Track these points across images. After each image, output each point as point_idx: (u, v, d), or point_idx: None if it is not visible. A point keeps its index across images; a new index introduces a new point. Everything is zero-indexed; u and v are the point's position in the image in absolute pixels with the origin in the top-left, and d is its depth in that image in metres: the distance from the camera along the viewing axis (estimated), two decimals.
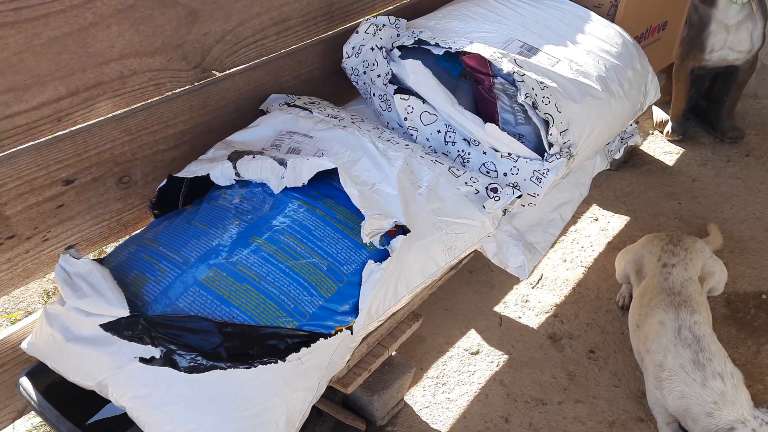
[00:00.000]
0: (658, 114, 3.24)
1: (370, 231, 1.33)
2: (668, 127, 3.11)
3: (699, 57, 2.86)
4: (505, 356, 1.97)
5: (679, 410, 1.60)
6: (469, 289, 2.24)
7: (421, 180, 1.53)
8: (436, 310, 2.15)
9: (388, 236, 1.39)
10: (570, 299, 2.18)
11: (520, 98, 1.60)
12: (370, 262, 1.33)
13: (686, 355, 1.63)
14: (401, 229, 1.40)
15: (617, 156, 2.14)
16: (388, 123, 1.82)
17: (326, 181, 1.48)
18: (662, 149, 3.06)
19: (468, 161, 1.68)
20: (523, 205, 1.67)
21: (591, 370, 1.91)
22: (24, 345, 1.34)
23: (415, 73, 1.68)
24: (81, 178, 1.46)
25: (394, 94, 1.71)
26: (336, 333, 1.27)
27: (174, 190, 1.57)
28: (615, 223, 2.55)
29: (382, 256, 1.37)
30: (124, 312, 1.16)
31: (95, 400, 1.32)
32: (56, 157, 1.39)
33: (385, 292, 1.35)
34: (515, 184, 1.63)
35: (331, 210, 1.42)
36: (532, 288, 2.24)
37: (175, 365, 1.11)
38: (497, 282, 2.27)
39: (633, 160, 2.96)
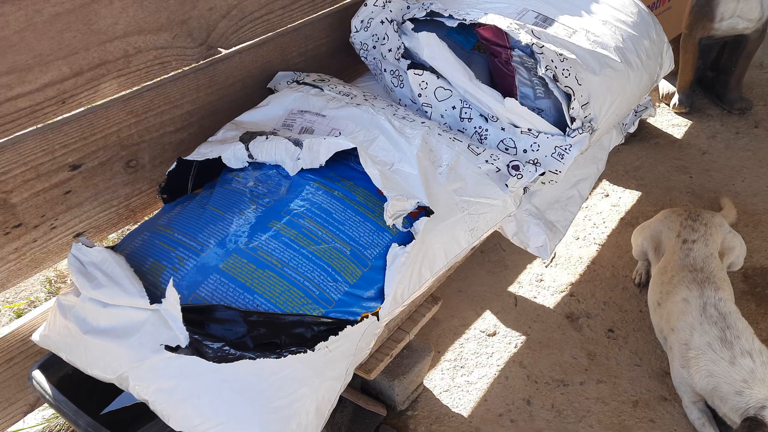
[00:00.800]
0: (664, 86, 3.19)
1: (393, 213, 1.28)
2: (675, 99, 3.06)
3: (708, 26, 2.81)
4: (523, 337, 1.93)
5: (707, 389, 1.57)
6: (482, 270, 2.20)
7: (441, 159, 1.47)
8: (450, 292, 2.11)
9: (410, 218, 1.34)
10: (585, 277, 2.15)
11: (540, 71, 1.55)
12: (394, 245, 1.28)
13: (713, 333, 1.59)
14: (423, 210, 1.35)
15: (632, 129, 2.09)
16: (400, 100, 1.76)
17: (343, 161, 1.43)
18: (669, 122, 3.01)
19: (486, 138, 1.63)
20: (544, 183, 1.62)
21: (611, 350, 1.88)
22: (36, 337, 1.28)
23: (429, 46, 1.62)
24: (88, 163, 1.39)
25: (407, 69, 1.65)
26: (362, 320, 1.23)
27: (183, 174, 1.51)
28: (626, 198, 2.51)
29: (405, 238, 1.32)
30: (144, 302, 1.11)
31: (109, 390, 1.28)
32: (62, 141, 1.32)
33: (410, 276, 1.30)
34: (536, 161, 1.58)
35: (350, 192, 1.37)
36: (546, 267, 2.20)
37: (202, 354, 1.06)
38: (510, 262, 2.23)
39: (641, 133, 2.91)
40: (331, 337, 1.16)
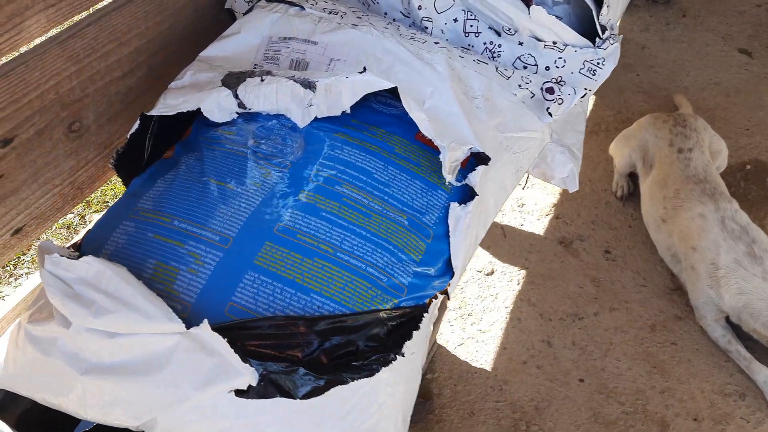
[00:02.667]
0: None
1: (450, 165, 1.04)
2: None
3: None
4: (522, 271, 1.80)
5: (737, 306, 1.52)
6: None
7: (473, 88, 1.23)
8: None
9: (461, 168, 1.10)
10: (565, 197, 2.02)
11: None
12: (454, 205, 1.05)
13: (740, 249, 1.53)
14: (473, 157, 1.12)
15: None
16: (386, 13, 1.46)
17: (363, 103, 1.15)
18: None
19: (498, 56, 1.39)
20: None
21: (613, 272, 1.80)
22: None
23: None
24: (22, 134, 1.02)
25: None
26: (430, 302, 1.00)
27: (138, 135, 1.16)
28: None
29: (460, 194, 1.09)
30: (177, 326, 0.82)
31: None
32: None
33: (471, 240, 1.09)
34: (559, 79, 1.37)
35: (385, 143, 1.10)
36: (523, 189, 2.05)
37: (288, 394, 0.80)
38: None
39: None
40: (415, 333, 0.93)
